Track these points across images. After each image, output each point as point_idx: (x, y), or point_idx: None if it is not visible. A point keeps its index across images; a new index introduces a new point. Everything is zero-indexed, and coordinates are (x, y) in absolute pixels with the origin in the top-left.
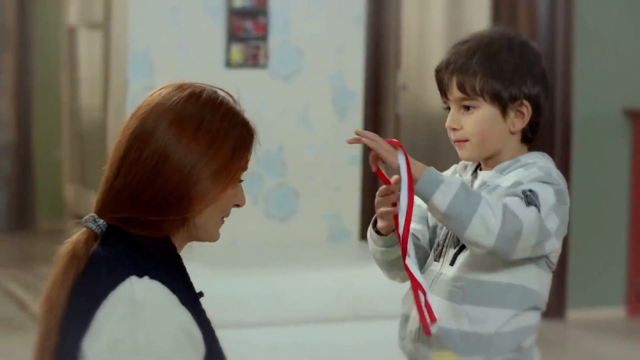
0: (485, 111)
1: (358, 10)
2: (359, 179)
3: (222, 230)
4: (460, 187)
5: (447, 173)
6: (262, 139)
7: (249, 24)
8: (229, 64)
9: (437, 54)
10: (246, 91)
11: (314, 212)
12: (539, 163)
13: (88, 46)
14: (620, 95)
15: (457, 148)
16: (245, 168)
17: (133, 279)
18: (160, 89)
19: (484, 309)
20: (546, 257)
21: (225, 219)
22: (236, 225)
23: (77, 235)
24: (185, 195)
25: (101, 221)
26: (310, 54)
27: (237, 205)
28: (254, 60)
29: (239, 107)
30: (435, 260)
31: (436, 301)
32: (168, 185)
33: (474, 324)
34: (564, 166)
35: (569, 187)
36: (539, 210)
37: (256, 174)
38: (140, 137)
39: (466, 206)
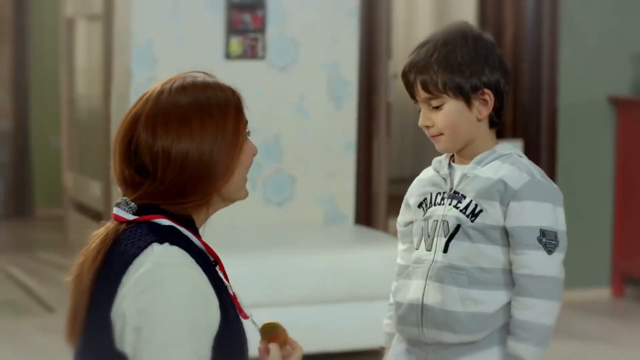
0: (451, 105)
1: (352, 3)
2: (354, 165)
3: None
4: (534, 346)
5: (425, 173)
6: (260, 128)
7: (247, 17)
8: (228, 55)
9: None
10: (245, 82)
11: (310, 197)
12: (514, 156)
13: (87, 37)
14: (605, 84)
15: (434, 142)
16: (246, 124)
17: (155, 245)
18: (149, 95)
19: (487, 291)
20: None
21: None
22: (236, 209)
23: (110, 221)
24: (211, 177)
25: (132, 204)
26: (306, 45)
27: (255, 155)
28: (252, 51)
29: (213, 77)
30: (427, 250)
31: (437, 287)
32: (195, 176)
33: (479, 305)
34: (550, 152)
35: (555, 173)
36: (557, 245)
37: (254, 160)
38: (159, 147)
39: (544, 339)
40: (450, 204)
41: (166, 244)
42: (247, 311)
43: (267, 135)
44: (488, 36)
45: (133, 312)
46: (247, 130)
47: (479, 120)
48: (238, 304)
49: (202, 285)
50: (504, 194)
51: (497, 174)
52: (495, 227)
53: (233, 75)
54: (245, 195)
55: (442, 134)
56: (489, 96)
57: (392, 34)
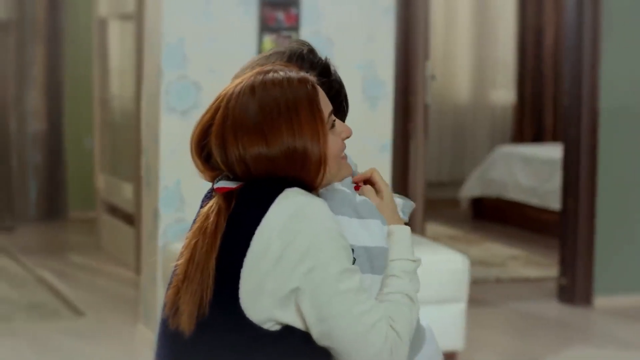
0: None
1: (388, 1)
2: (389, 167)
3: None
4: None
5: None
6: None
7: (280, 15)
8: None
9: (463, 46)
10: None
11: None
12: None
13: (120, 37)
14: None
15: None
16: (329, 112)
17: (287, 190)
18: (220, 100)
19: None
20: None
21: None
22: None
23: (214, 198)
24: (306, 172)
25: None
26: (341, 43)
27: (347, 137)
28: None
29: (286, 72)
30: None
31: None
32: (290, 173)
33: None
34: (591, 156)
35: (595, 177)
36: None
37: None
38: (232, 159)
39: None
40: None
41: (296, 188)
42: None
43: None
44: (318, 59)
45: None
46: (329, 117)
47: None
48: None
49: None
50: None
51: None
52: None
53: None
54: (347, 173)
55: None
56: None
57: (431, 35)
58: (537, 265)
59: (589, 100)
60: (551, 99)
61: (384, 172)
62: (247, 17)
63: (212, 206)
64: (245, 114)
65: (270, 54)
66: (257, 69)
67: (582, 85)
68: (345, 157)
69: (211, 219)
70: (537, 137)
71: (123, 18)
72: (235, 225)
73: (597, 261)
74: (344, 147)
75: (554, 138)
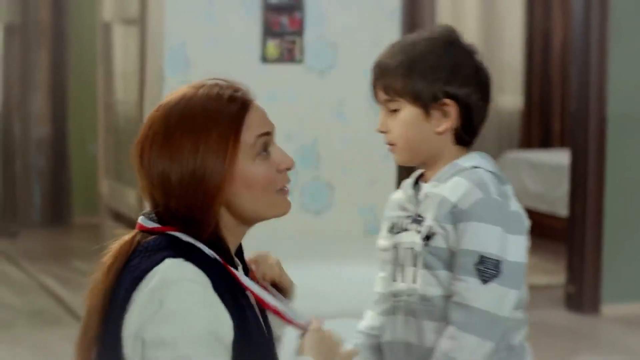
0: (407, 112)
1: (393, 4)
2: (395, 173)
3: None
4: None
5: (396, 194)
6: (297, 133)
7: (284, 19)
8: (264, 59)
9: None
10: (282, 86)
11: (349, 206)
12: (476, 170)
13: (124, 42)
14: None
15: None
16: (261, 134)
17: (167, 260)
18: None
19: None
20: None
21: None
22: None
23: (130, 233)
24: (205, 193)
25: (153, 215)
26: (346, 48)
27: (287, 169)
28: (289, 55)
29: (222, 88)
30: (401, 282)
31: (413, 322)
32: (189, 196)
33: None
34: (598, 162)
35: (603, 184)
36: (497, 276)
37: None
38: (149, 173)
39: None
40: (414, 229)
41: (180, 259)
42: (302, 322)
43: (304, 141)
44: (469, 45)
45: (139, 336)
46: (259, 139)
47: (438, 134)
48: (286, 319)
49: (215, 307)
50: (455, 214)
51: (451, 192)
52: (453, 252)
53: (270, 79)
54: (279, 211)
55: (395, 144)
56: (453, 108)
57: None
58: (545, 273)
59: (596, 105)
60: (559, 103)
61: (390, 178)
62: (251, 21)
63: (119, 243)
64: (164, 124)
65: (418, 40)
66: (194, 82)
67: (589, 90)
68: (284, 192)
69: (110, 256)
70: (545, 142)
71: (127, 23)
72: (125, 276)
73: (605, 268)
74: (282, 180)
75: (562, 143)
